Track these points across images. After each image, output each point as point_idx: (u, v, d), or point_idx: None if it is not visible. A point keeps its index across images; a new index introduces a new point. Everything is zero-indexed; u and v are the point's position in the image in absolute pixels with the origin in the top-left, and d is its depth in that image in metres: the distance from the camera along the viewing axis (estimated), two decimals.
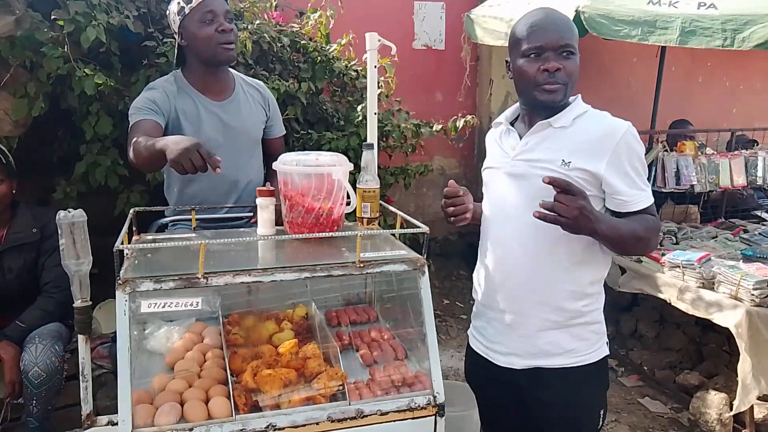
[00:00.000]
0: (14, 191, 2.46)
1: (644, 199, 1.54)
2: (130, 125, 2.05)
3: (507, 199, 1.64)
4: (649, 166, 4.06)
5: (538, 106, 1.59)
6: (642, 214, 1.54)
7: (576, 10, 3.39)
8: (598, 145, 1.51)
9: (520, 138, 1.63)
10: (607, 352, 1.69)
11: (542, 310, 1.60)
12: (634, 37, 3.35)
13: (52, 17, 2.51)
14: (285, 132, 2.47)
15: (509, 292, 1.63)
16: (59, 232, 1.45)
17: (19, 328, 2.41)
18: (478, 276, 1.76)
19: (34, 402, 2.30)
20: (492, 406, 1.84)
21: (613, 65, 5.47)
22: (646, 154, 4.13)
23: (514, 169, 1.62)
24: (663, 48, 4.28)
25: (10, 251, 2.44)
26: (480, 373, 1.79)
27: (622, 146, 1.51)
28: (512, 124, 1.70)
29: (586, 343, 1.63)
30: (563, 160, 1.53)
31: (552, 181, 1.41)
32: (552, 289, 1.59)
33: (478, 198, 1.80)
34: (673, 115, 4.91)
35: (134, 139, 1.89)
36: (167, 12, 2.16)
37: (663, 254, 3.24)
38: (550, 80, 1.52)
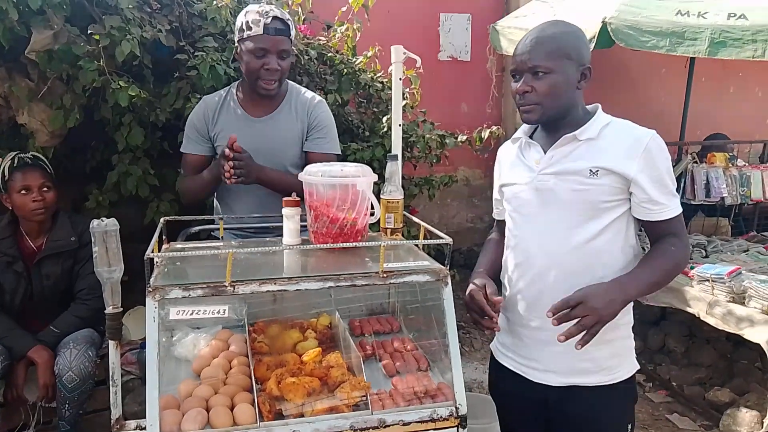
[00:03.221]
0: (56, 200, 2.54)
1: (673, 207, 1.55)
2: (182, 150, 2.36)
3: (536, 217, 1.63)
4: (678, 178, 4.01)
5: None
6: (668, 226, 1.55)
7: (603, 21, 3.38)
8: (626, 152, 1.51)
9: (544, 151, 1.62)
10: (637, 367, 1.68)
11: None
12: (662, 48, 3.34)
13: (89, 32, 2.59)
14: (337, 152, 2.40)
15: (544, 309, 1.56)
16: (92, 240, 1.49)
17: (54, 334, 2.48)
18: (509, 292, 1.73)
19: (67, 406, 2.36)
20: (518, 421, 1.82)
21: (641, 76, 5.42)
22: (675, 166, 4.10)
23: (541, 184, 1.60)
24: (692, 58, 4.24)
25: (49, 258, 2.52)
26: (508, 388, 1.77)
27: (651, 152, 1.51)
28: (531, 137, 1.69)
29: (619, 359, 1.63)
30: (591, 170, 1.53)
31: (556, 317, 1.42)
32: None
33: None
34: (703, 126, 4.84)
35: (183, 178, 2.36)
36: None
37: (692, 267, 3.19)
38: (521, 101, 1.57)
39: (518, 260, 1.69)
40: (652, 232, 1.60)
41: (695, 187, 3.99)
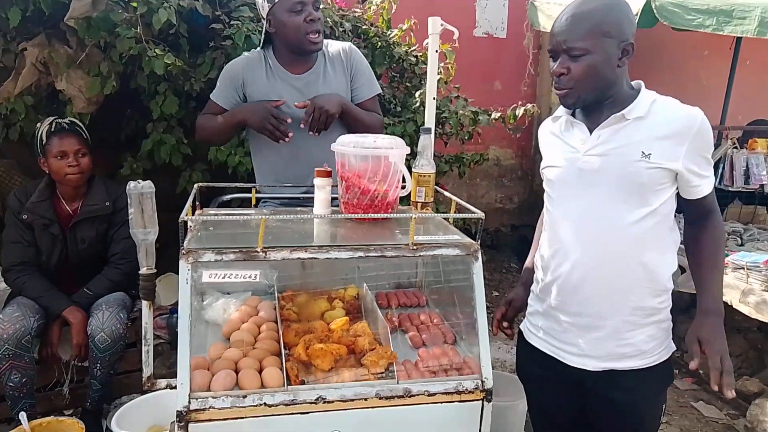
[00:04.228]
0: (92, 165, 2.58)
1: (711, 181, 1.53)
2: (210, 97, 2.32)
3: (579, 199, 1.56)
4: (717, 164, 3.91)
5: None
6: (708, 201, 1.54)
7: None
8: (677, 134, 1.46)
9: (589, 131, 1.56)
10: (674, 348, 1.65)
11: (621, 311, 1.55)
12: (708, 27, 3.23)
13: None
14: (378, 91, 2.43)
15: (583, 295, 1.57)
16: (128, 201, 1.52)
17: (87, 296, 2.54)
18: (545, 276, 1.67)
19: (99, 365, 2.42)
20: (549, 402, 1.79)
21: (683, 58, 5.26)
22: (714, 151, 3.98)
23: (587, 164, 1.54)
24: (738, 40, 4.09)
25: (84, 222, 2.57)
26: (539, 370, 1.73)
27: (701, 134, 1.47)
28: (573, 115, 1.62)
29: (657, 342, 1.60)
30: (643, 152, 1.46)
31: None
32: (633, 290, 1.54)
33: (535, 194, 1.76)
34: (746, 110, 4.70)
35: (200, 116, 2.24)
36: None
37: (726, 255, 3.12)
38: (556, 84, 1.52)
39: (558, 245, 1.63)
40: (693, 208, 1.56)
41: (734, 173, 3.88)
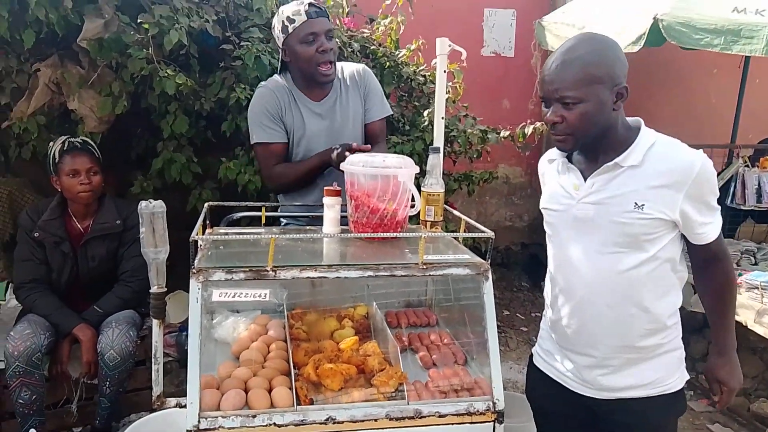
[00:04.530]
0: (103, 184, 2.61)
1: (717, 223, 1.50)
2: (256, 141, 2.24)
3: (575, 245, 1.56)
4: (728, 182, 3.88)
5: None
6: (715, 246, 1.51)
7: (654, 18, 3.29)
8: (674, 183, 1.42)
9: (583, 176, 1.54)
10: (687, 377, 1.63)
11: (623, 351, 1.54)
12: (716, 47, 3.22)
13: (138, 21, 2.65)
14: (389, 112, 2.44)
15: (586, 339, 1.57)
16: (140, 221, 1.52)
17: (97, 313, 2.54)
18: (552, 314, 1.68)
19: (108, 383, 2.42)
20: (557, 426, 1.77)
21: (692, 77, 5.26)
22: (725, 169, 3.96)
23: (581, 212, 1.52)
24: (747, 58, 4.09)
25: (95, 240, 2.59)
26: (548, 393, 1.72)
27: (700, 180, 1.42)
28: (569, 158, 1.59)
29: (666, 373, 1.57)
30: (636, 203, 1.44)
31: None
32: (632, 331, 1.53)
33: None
34: (755, 129, 4.67)
35: (274, 168, 2.23)
36: (272, 26, 2.24)
37: (740, 274, 3.09)
38: (552, 131, 1.49)
39: (560, 287, 1.64)
40: (699, 253, 1.54)
41: (746, 192, 3.85)
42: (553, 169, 1.64)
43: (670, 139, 1.49)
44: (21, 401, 2.32)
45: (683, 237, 1.53)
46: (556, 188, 1.61)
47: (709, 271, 1.56)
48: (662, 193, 1.43)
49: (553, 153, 1.64)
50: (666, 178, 1.42)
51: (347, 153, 1.98)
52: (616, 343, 1.54)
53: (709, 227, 1.48)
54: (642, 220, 1.44)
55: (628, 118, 1.52)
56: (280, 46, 2.21)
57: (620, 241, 1.47)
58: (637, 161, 1.45)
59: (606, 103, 1.43)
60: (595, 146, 1.50)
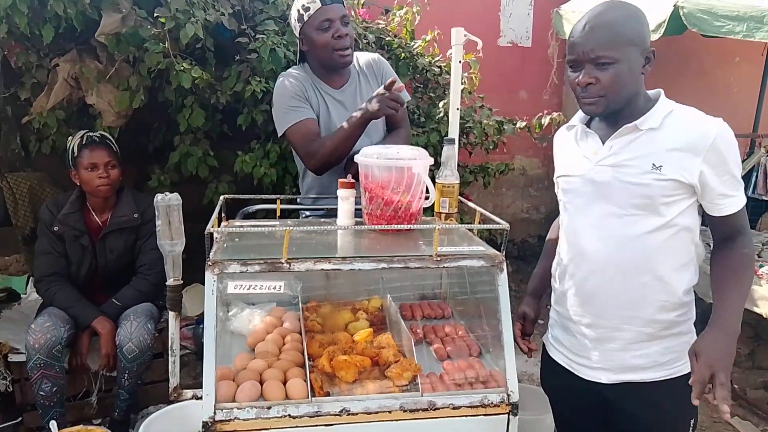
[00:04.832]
0: (121, 177, 2.63)
1: (740, 197, 1.48)
2: (287, 126, 2.18)
3: (591, 209, 1.56)
4: (750, 172, 3.81)
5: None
6: (735, 220, 1.48)
7: (674, 5, 3.23)
8: (692, 146, 1.42)
9: (602, 141, 1.54)
10: None
11: (633, 323, 1.53)
12: (738, 34, 3.16)
13: (155, 15, 2.67)
14: (408, 98, 2.41)
15: (597, 307, 1.56)
16: (156, 213, 1.54)
17: (115, 306, 2.58)
18: (560, 286, 1.68)
19: (126, 375, 2.45)
20: (572, 416, 1.78)
21: (713, 65, 5.17)
22: (746, 159, 3.89)
23: (598, 175, 1.53)
24: None
25: (113, 233, 2.62)
26: (560, 383, 1.73)
27: (718, 145, 1.42)
28: (587, 125, 1.61)
29: (677, 355, 1.55)
30: (654, 164, 1.44)
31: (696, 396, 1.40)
32: (645, 302, 1.52)
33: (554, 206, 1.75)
34: None
35: (312, 143, 2.14)
36: (288, 18, 2.25)
37: (761, 266, 3.03)
38: (584, 94, 1.48)
39: (572, 254, 1.63)
40: (717, 226, 1.52)
41: None
42: (572, 137, 1.64)
43: (689, 108, 1.50)
44: (42, 393, 2.36)
45: (702, 213, 1.51)
46: (574, 154, 1.62)
47: (726, 245, 1.52)
48: (680, 156, 1.43)
49: (575, 119, 1.65)
50: (684, 141, 1.43)
51: (386, 97, 1.97)
52: (627, 313, 1.53)
53: (730, 200, 1.46)
54: (660, 181, 1.43)
55: (648, 91, 1.53)
56: (297, 36, 2.22)
57: (637, 203, 1.47)
58: (656, 124, 1.46)
59: (637, 66, 1.45)
60: (617, 113, 1.50)
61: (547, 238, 1.89)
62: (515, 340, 1.67)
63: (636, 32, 1.44)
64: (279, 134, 2.25)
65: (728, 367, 1.39)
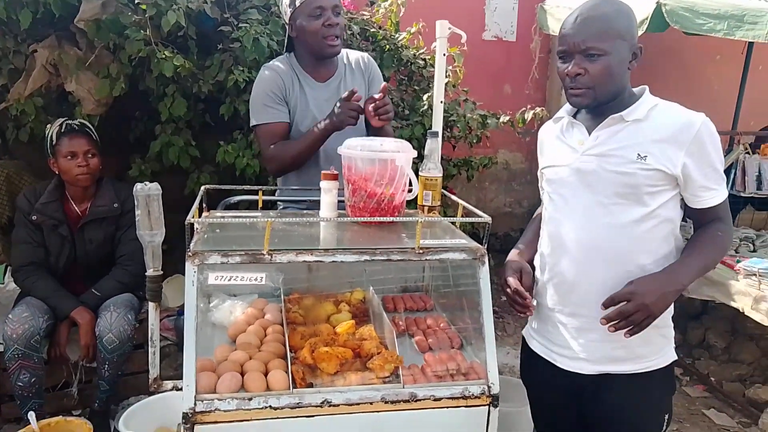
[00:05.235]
0: (100, 166, 2.59)
1: (721, 191, 1.51)
2: (257, 123, 2.22)
3: (576, 199, 1.58)
4: (729, 169, 3.86)
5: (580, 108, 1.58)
6: (716, 211, 1.52)
7: (657, 2, 3.26)
8: (675, 138, 1.46)
9: (588, 132, 1.57)
10: (675, 357, 1.64)
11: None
12: (719, 32, 3.20)
13: (136, 2, 2.63)
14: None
15: (579, 296, 1.58)
16: (135, 203, 1.52)
17: (95, 296, 2.55)
18: (542, 277, 1.69)
19: (106, 366, 2.43)
20: (549, 407, 1.80)
21: (695, 63, 5.23)
22: (726, 156, 3.94)
23: (584, 165, 1.55)
24: (750, 45, 4.06)
25: (93, 223, 2.59)
26: (539, 374, 1.75)
27: (701, 137, 1.46)
28: (574, 117, 1.63)
29: (655, 347, 1.58)
30: (639, 155, 1.47)
31: (606, 316, 1.45)
32: None
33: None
34: (757, 116, 4.65)
35: (273, 147, 2.18)
36: (276, 3, 2.23)
37: (738, 261, 3.08)
38: (572, 85, 1.51)
39: (555, 244, 1.64)
40: (698, 217, 1.56)
41: (746, 179, 3.84)
42: (558, 130, 1.67)
43: (672, 103, 1.53)
44: (20, 384, 2.33)
45: (684, 207, 1.55)
46: (560, 146, 1.64)
47: (707, 225, 1.55)
48: (664, 147, 1.46)
49: (562, 111, 1.67)
50: (668, 133, 1.46)
51: (346, 107, 2.01)
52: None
53: (711, 193, 1.50)
54: (644, 170, 1.46)
55: (633, 88, 1.57)
56: (287, 22, 2.21)
57: (622, 192, 1.49)
58: (641, 116, 1.49)
59: (625, 60, 1.49)
60: (604, 105, 1.53)
61: (528, 227, 1.89)
62: (516, 292, 1.61)
63: (626, 27, 1.48)
64: (251, 125, 2.27)
65: (654, 315, 1.43)
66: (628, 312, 1.43)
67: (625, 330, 1.44)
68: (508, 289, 1.64)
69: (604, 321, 1.46)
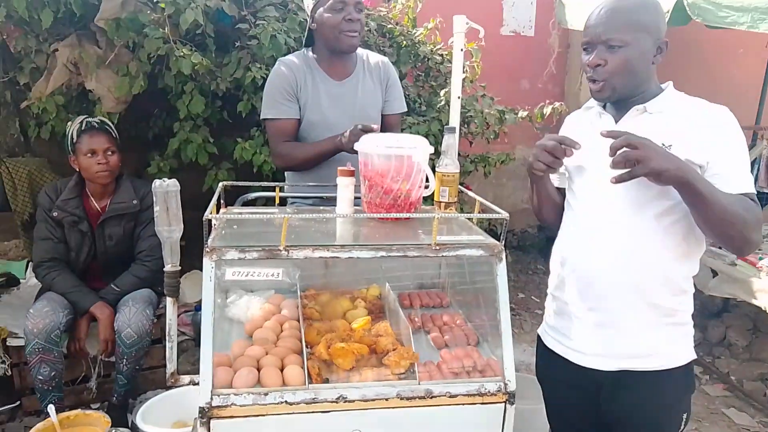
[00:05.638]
0: (120, 164, 2.63)
1: (748, 182, 1.44)
2: (267, 117, 2.25)
3: (600, 188, 1.56)
4: (752, 164, 3.80)
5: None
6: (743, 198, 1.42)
7: None
8: (698, 129, 1.44)
9: (615, 122, 1.56)
10: (694, 356, 1.61)
11: (636, 308, 1.53)
12: (743, 25, 3.14)
13: (155, 0, 2.65)
14: (405, 109, 2.48)
15: (600, 290, 1.56)
16: (154, 199, 1.53)
17: (114, 292, 2.58)
18: (562, 271, 1.67)
19: (125, 361, 2.46)
20: (565, 405, 1.78)
21: (716, 57, 5.14)
22: (749, 151, 3.87)
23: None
24: None
25: (112, 220, 2.62)
26: (555, 373, 1.73)
27: (725, 128, 1.44)
28: (603, 107, 1.62)
29: (674, 346, 1.56)
30: (663, 144, 1.44)
31: (608, 134, 1.40)
32: (648, 286, 1.51)
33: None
34: None
35: (283, 144, 2.23)
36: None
37: (761, 258, 3.03)
38: (592, 76, 1.51)
39: (575, 235, 1.63)
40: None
41: None
42: (586, 119, 1.66)
43: (696, 98, 1.52)
44: (40, 377, 2.37)
45: None
46: (587, 134, 1.60)
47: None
48: (688, 136, 1.44)
49: (590, 101, 1.66)
50: (692, 123, 1.45)
51: (357, 134, 1.97)
52: (630, 296, 1.52)
53: (738, 178, 1.42)
54: None
55: (661, 84, 1.56)
56: (309, 14, 2.22)
57: (646, 184, 1.45)
58: (663, 108, 1.49)
59: (647, 53, 1.47)
60: (629, 98, 1.52)
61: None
62: (562, 140, 1.53)
63: (651, 20, 1.47)
64: (261, 117, 2.29)
65: (649, 170, 1.34)
66: (631, 145, 1.34)
67: (613, 164, 1.36)
68: (550, 142, 1.54)
69: (611, 152, 1.36)
